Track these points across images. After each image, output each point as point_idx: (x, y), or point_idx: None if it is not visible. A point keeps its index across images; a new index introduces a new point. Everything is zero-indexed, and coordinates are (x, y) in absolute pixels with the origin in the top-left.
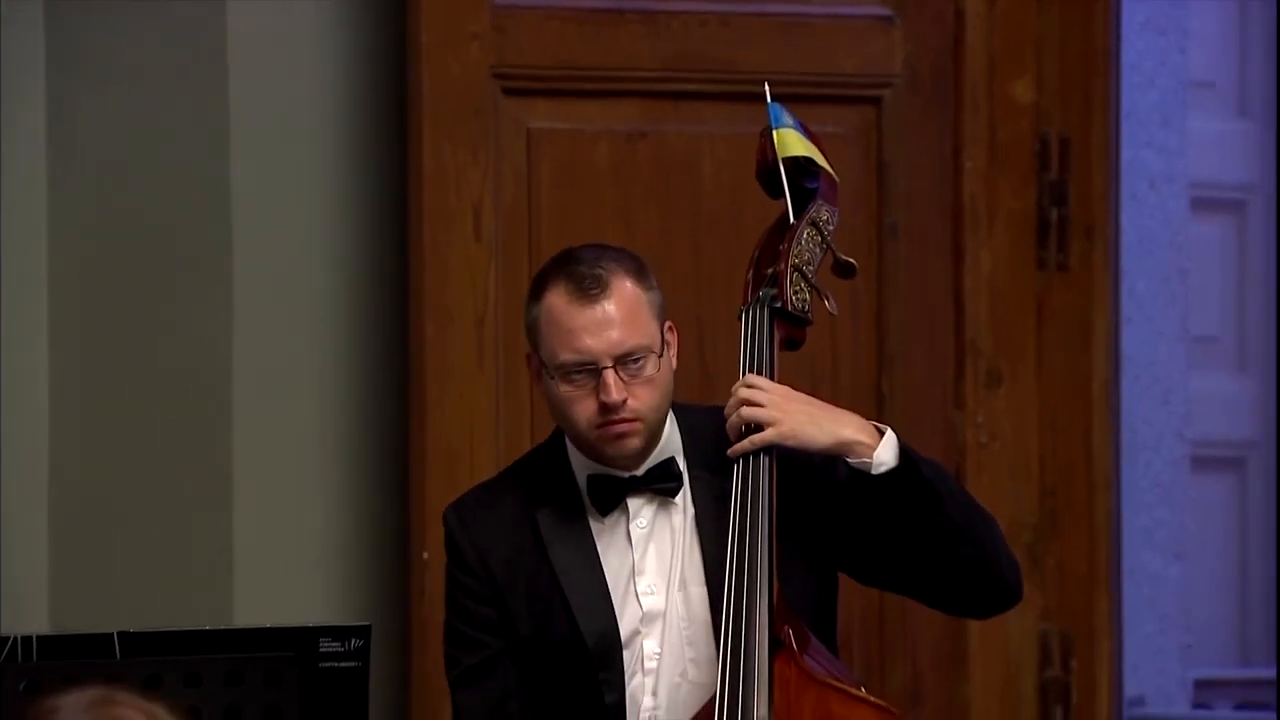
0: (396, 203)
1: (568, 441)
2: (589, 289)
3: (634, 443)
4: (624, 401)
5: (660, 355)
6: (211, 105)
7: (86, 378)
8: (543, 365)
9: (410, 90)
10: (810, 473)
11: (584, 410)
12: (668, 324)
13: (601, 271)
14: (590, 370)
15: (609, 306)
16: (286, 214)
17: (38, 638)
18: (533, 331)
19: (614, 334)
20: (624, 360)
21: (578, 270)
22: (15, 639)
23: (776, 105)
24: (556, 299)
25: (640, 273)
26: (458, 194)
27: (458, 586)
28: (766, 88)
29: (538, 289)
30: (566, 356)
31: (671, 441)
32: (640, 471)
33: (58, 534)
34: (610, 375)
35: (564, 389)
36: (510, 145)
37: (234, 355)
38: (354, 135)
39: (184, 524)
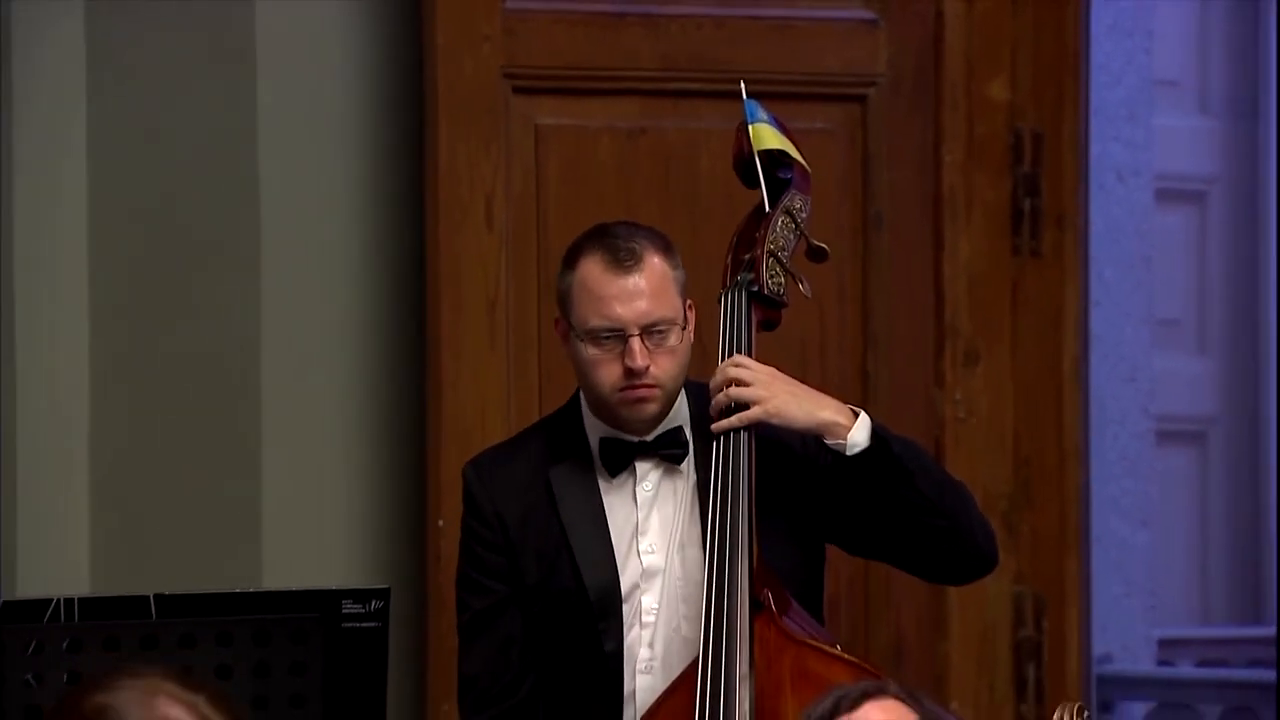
0: (413, 194)
1: (583, 406)
2: (624, 261)
3: (652, 407)
4: (647, 368)
5: (682, 328)
6: (241, 102)
7: (124, 357)
8: (571, 329)
9: (426, 89)
10: (796, 457)
11: (609, 374)
12: (689, 301)
13: (636, 246)
14: (618, 336)
15: (640, 279)
16: (311, 204)
17: (79, 600)
18: (565, 297)
19: (643, 304)
20: (650, 330)
21: (614, 243)
22: (58, 601)
23: (752, 101)
24: (592, 268)
25: (669, 251)
26: (470, 186)
27: (472, 536)
28: (742, 85)
29: (572, 259)
30: (597, 322)
31: (680, 412)
32: (650, 437)
33: (98, 502)
34: (636, 343)
35: (592, 352)
36: (519, 141)
37: (262, 336)
38: (373, 130)
39: (215, 493)
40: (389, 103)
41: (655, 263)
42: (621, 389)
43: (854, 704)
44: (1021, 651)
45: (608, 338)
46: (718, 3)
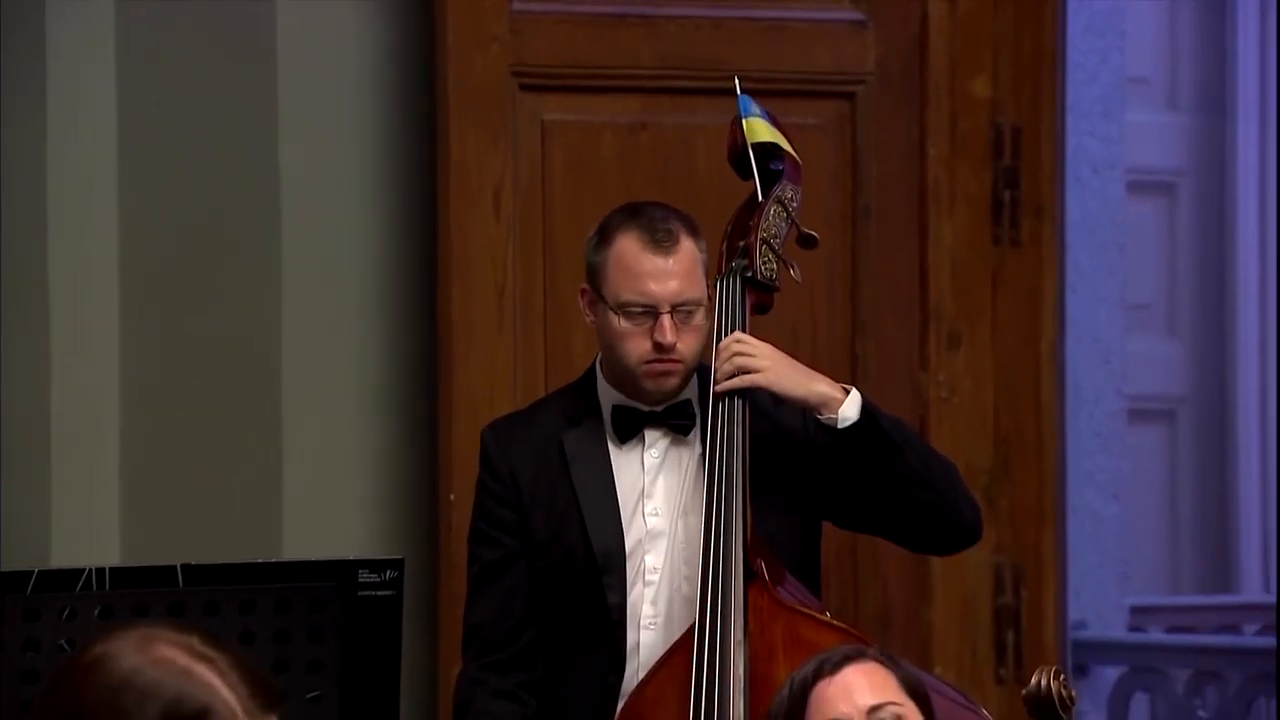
0: (425, 185)
1: (598, 376)
2: (661, 240)
3: (673, 381)
4: (674, 345)
5: (705, 308)
6: (262, 98)
7: (153, 341)
8: (601, 300)
9: (437, 86)
10: (794, 437)
11: (637, 346)
12: (709, 288)
13: (672, 228)
14: (650, 312)
15: (674, 261)
16: (328, 194)
17: (110, 569)
18: (597, 270)
19: (675, 284)
20: (679, 308)
21: (652, 224)
22: (90, 570)
23: (746, 97)
24: (629, 245)
25: (698, 235)
26: (479, 178)
27: (486, 492)
28: (737, 81)
29: (607, 233)
30: (631, 297)
31: (691, 387)
32: (660, 408)
33: (127, 477)
34: (667, 320)
35: (623, 325)
36: (526, 135)
37: (282, 319)
38: (388, 125)
39: (238, 468)
40: (402, 99)
41: (688, 245)
42: (648, 361)
43: (836, 667)
44: (1001, 618)
45: (640, 313)
46: (714, 4)
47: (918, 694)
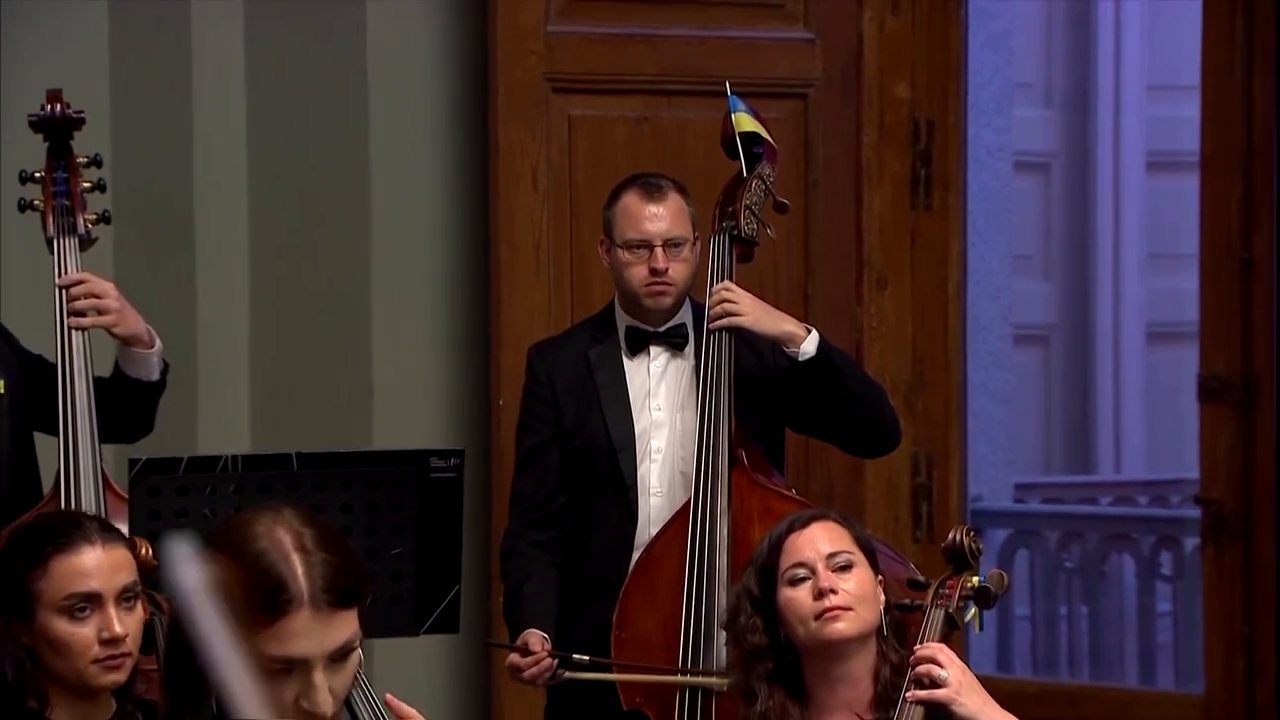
0: (480, 165)
1: (616, 308)
2: (653, 193)
3: (667, 300)
4: (667, 270)
5: (691, 245)
6: (355, 96)
7: (274, 287)
8: (612, 243)
9: (489, 88)
10: (766, 364)
11: (639, 273)
12: (696, 234)
13: (662, 184)
14: (646, 246)
15: (663, 206)
16: (406, 174)
17: (242, 456)
18: (609, 223)
19: (664, 224)
20: (669, 243)
21: (646, 181)
22: (226, 457)
23: (734, 96)
24: (630, 197)
25: (684, 191)
26: (521, 160)
27: (530, 393)
28: (727, 85)
29: (615, 195)
30: (632, 235)
31: (685, 315)
32: (662, 329)
33: (255, 385)
34: (660, 251)
35: (627, 257)
36: (557, 127)
37: (371, 269)
38: (451, 119)
39: (339, 382)
40: (462, 98)
41: (674, 196)
42: (647, 284)
43: (805, 523)
44: (917, 494)
45: (639, 247)
46: (700, 26)
47: (866, 548)
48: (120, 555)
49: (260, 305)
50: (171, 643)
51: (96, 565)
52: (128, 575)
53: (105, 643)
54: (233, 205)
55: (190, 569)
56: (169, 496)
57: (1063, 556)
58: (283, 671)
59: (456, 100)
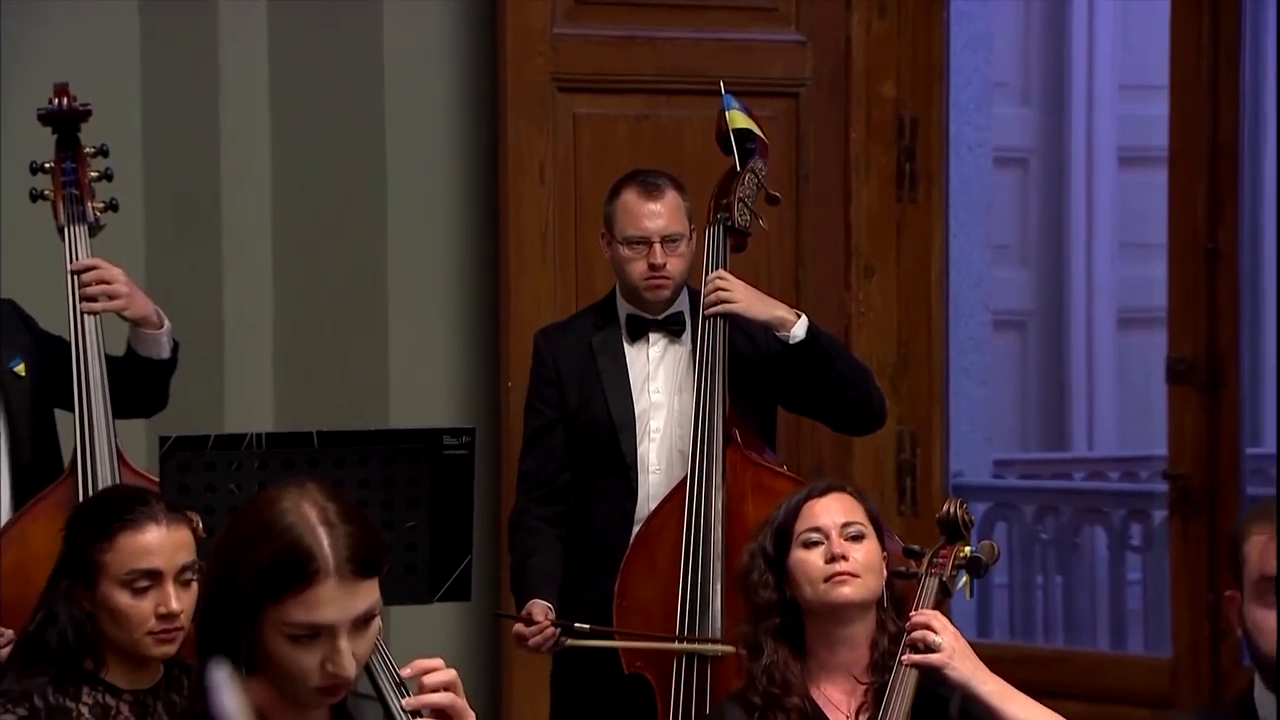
0: (490, 159)
1: (617, 296)
2: (651, 190)
3: (665, 292)
4: (664, 265)
5: (688, 241)
6: (373, 95)
7: (296, 265)
8: (613, 238)
9: (499, 87)
10: (759, 347)
11: (638, 268)
12: (692, 227)
13: (660, 183)
14: (645, 242)
15: (661, 204)
16: (422, 166)
17: (266, 434)
18: (610, 218)
19: (662, 221)
20: (667, 239)
21: (645, 179)
22: (251, 435)
23: (729, 95)
24: (629, 196)
25: (681, 188)
26: (529, 155)
27: (536, 376)
28: (721, 84)
29: (615, 191)
30: (632, 232)
31: (683, 303)
32: (660, 317)
33: (279, 366)
34: (658, 247)
35: (627, 253)
36: (563, 124)
37: (388, 254)
38: (464, 114)
39: (357, 363)
40: (474, 97)
41: (672, 194)
42: (646, 278)
43: (823, 492)
44: (902, 470)
45: (638, 243)
46: (697, 29)
47: (875, 521)
48: (182, 535)
49: (283, 293)
50: (206, 602)
51: (159, 544)
52: (187, 555)
53: (161, 617)
54: (257, 199)
55: (229, 697)
56: (197, 472)
57: (1038, 529)
58: (309, 637)
59: (468, 99)
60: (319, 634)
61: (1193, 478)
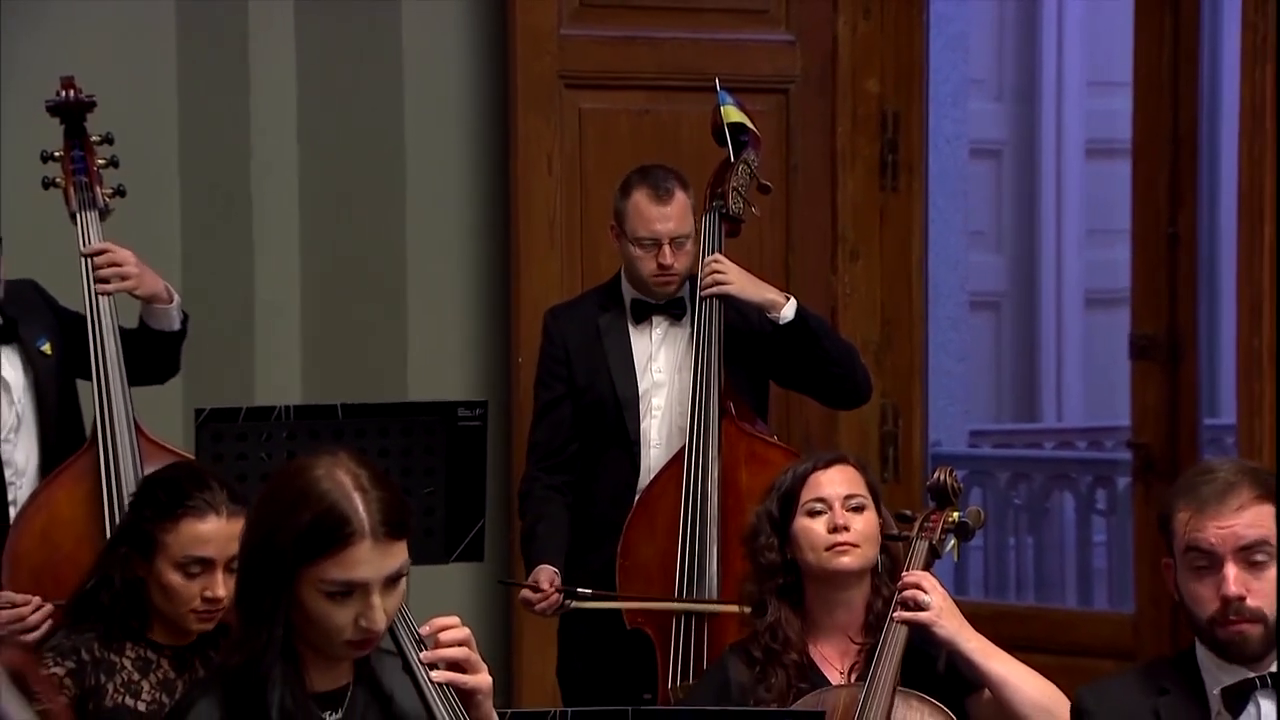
0: (501, 151)
1: (622, 280)
2: (662, 195)
3: (672, 288)
4: (673, 264)
5: (694, 238)
6: (391, 91)
7: (322, 250)
8: (623, 234)
9: (509, 83)
10: (752, 327)
11: (648, 266)
12: (695, 221)
13: (671, 185)
14: (655, 243)
15: (671, 208)
16: (437, 158)
17: (294, 407)
18: (621, 213)
19: (671, 224)
20: (675, 240)
21: (656, 182)
22: (280, 407)
23: (723, 91)
24: (641, 197)
25: (688, 187)
26: (537, 147)
27: (545, 353)
28: (717, 81)
29: (627, 188)
30: (643, 233)
31: (684, 289)
32: (662, 302)
33: (306, 344)
34: (667, 248)
35: (638, 252)
36: (569, 118)
37: (406, 239)
38: (477, 109)
39: (378, 340)
40: (486, 92)
41: (681, 196)
42: (655, 276)
43: (827, 464)
44: (885, 440)
45: (649, 244)
46: (694, 30)
47: (875, 493)
48: (238, 527)
49: (309, 277)
50: (245, 563)
51: (216, 533)
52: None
53: (207, 600)
54: (285, 189)
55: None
56: (230, 442)
57: (1011, 494)
58: (344, 594)
59: (480, 95)
60: (353, 591)
61: (1154, 447)
